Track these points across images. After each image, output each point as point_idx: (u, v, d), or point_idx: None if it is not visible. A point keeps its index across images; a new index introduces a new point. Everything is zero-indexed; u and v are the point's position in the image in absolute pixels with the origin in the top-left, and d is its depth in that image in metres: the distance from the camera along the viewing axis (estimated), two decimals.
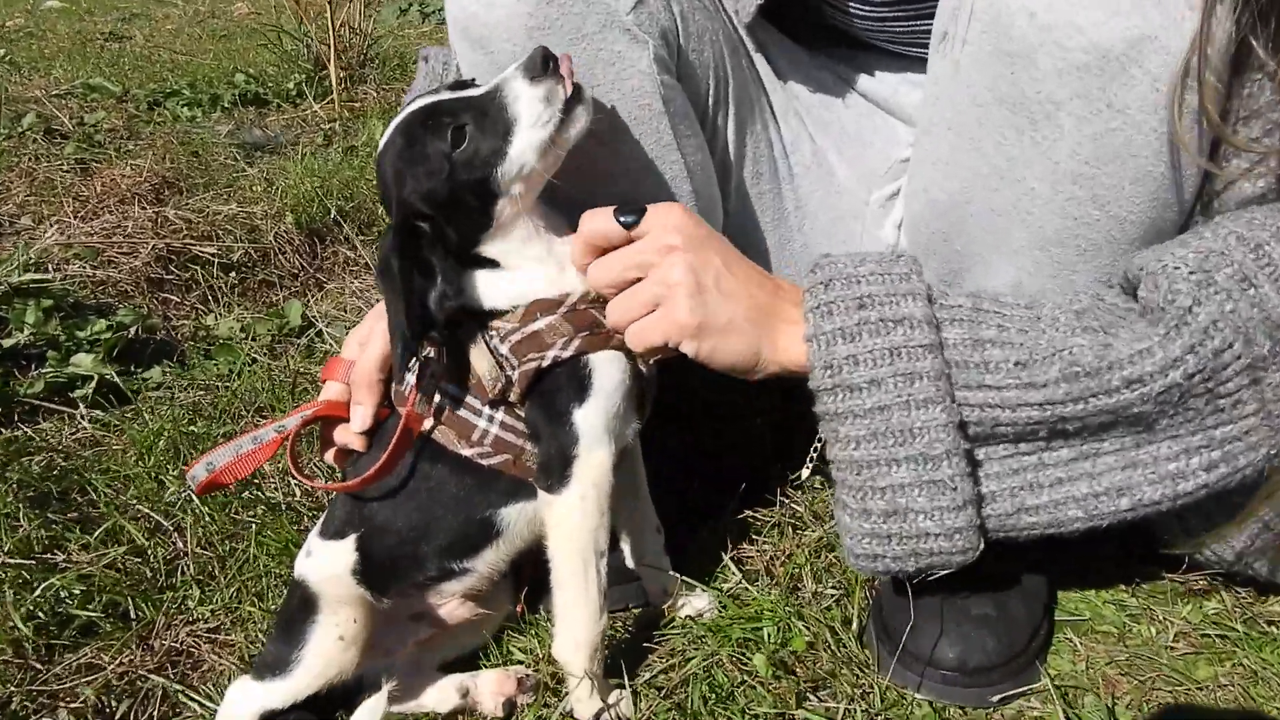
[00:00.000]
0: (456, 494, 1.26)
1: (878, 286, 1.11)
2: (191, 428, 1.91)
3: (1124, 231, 1.14)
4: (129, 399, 2.06)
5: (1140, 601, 1.46)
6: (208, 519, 1.62)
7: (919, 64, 1.54)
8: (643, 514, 1.47)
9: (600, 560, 1.25)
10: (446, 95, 1.19)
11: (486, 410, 1.23)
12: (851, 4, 1.48)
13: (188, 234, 2.70)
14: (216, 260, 2.62)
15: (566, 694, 1.26)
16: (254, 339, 2.36)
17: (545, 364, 1.19)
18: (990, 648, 1.32)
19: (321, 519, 1.33)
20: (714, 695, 1.29)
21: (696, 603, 1.46)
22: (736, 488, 1.68)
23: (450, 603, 1.34)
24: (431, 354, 1.23)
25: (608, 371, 1.22)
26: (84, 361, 2.11)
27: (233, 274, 2.62)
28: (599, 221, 1.18)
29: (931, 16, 1.25)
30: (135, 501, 1.66)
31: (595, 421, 1.22)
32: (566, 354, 1.20)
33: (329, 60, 4.28)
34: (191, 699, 1.32)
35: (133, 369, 2.17)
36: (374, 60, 4.77)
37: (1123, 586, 1.50)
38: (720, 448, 1.79)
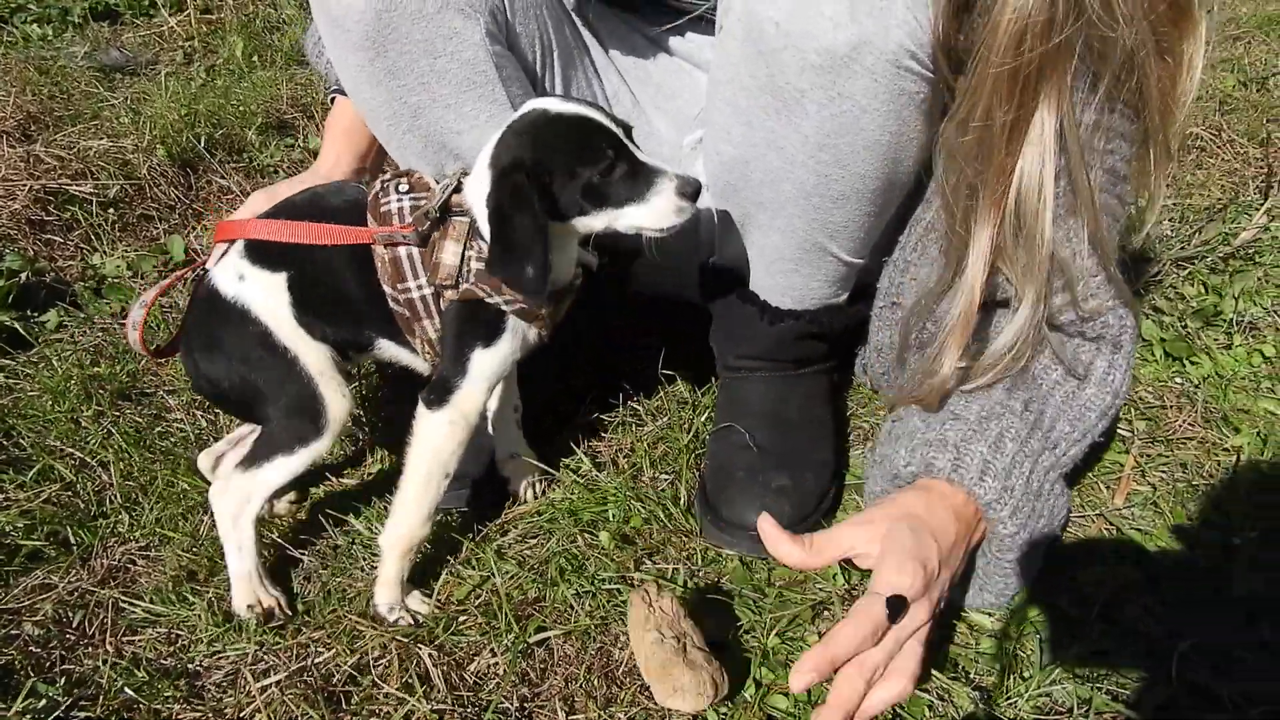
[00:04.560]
0: (362, 298, 1.52)
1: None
2: (96, 369, 2.10)
3: (864, 184, 1.46)
4: (31, 344, 2.22)
5: None
6: (127, 454, 1.85)
7: None
8: (505, 398, 1.77)
9: (444, 481, 1.54)
10: (625, 139, 1.44)
11: (424, 280, 1.49)
12: None
13: (62, 173, 2.78)
14: (94, 198, 2.73)
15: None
16: (141, 276, 2.52)
17: (488, 300, 1.47)
18: (787, 512, 1.66)
19: (242, 247, 1.54)
20: (569, 566, 1.62)
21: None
22: (589, 393, 1.99)
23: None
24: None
25: (515, 337, 1.52)
26: None
27: (111, 211, 2.73)
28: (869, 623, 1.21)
29: None
30: (58, 443, 1.88)
31: (486, 366, 1.51)
32: (507, 308, 1.48)
33: None
34: (135, 605, 1.58)
35: (29, 313, 2.32)
36: None
37: None
38: (574, 359, 2.08)
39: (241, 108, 3.30)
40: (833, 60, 1.31)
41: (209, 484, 1.68)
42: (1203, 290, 2.30)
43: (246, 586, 1.54)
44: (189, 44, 3.97)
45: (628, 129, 1.46)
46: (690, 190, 1.43)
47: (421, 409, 1.52)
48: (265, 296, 1.51)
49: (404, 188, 1.51)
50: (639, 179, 1.43)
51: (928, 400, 1.50)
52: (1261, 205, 2.54)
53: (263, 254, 1.53)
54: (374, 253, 1.49)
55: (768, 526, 1.30)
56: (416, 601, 1.58)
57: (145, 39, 4.07)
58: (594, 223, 1.47)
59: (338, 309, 1.54)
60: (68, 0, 4.39)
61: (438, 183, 1.51)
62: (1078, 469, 1.58)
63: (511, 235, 1.40)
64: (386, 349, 1.60)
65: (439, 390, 1.51)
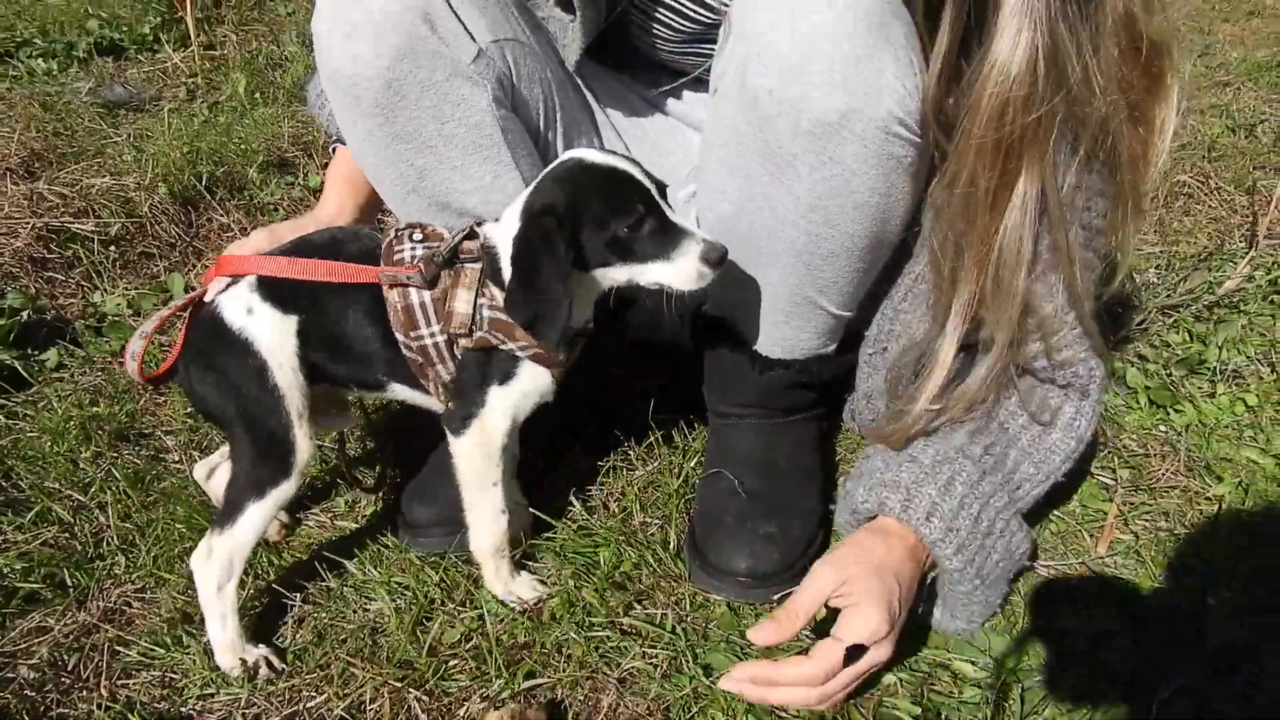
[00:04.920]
0: (376, 345, 1.56)
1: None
2: (95, 409, 2.13)
3: (854, 243, 1.49)
4: (31, 383, 2.24)
5: None
6: (125, 495, 1.87)
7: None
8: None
9: (494, 488, 1.62)
10: (658, 196, 1.47)
11: (436, 329, 1.53)
12: (657, 40, 1.78)
13: (64, 210, 2.82)
14: (96, 236, 2.76)
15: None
16: (140, 314, 2.55)
17: (502, 347, 1.52)
18: (775, 559, 1.69)
19: (253, 281, 1.55)
20: (561, 610, 1.64)
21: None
22: (579, 439, 2.02)
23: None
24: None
25: (532, 378, 1.57)
26: None
27: (112, 248, 2.77)
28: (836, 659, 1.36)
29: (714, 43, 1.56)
30: (57, 484, 1.90)
31: (503, 401, 1.57)
32: (520, 355, 1.53)
33: None
34: (130, 649, 1.60)
35: (30, 352, 2.34)
36: None
37: None
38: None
39: (243, 145, 3.34)
40: (824, 127, 1.35)
41: (206, 497, 1.75)
42: (1187, 338, 2.34)
43: (230, 654, 1.54)
44: (192, 80, 4.02)
45: (661, 187, 1.50)
46: (715, 257, 1.46)
47: (450, 437, 1.60)
48: (272, 334, 1.53)
49: (418, 237, 1.55)
50: (667, 238, 1.46)
51: (893, 440, 1.58)
52: (1246, 254, 2.58)
53: (276, 292, 1.54)
54: (387, 301, 1.52)
55: (757, 637, 1.40)
56: (525, 587, 1.68)
57: (149, 75, 4.12)
58: (616, 275, 1.51)
59: (350, 353, 1.58)
60: (73, 35, 4.46)
61: (451, 234, 1.54)
62: (1047, 510, 1.67)
63: (535, 279, 1.43)
64: (400, 391, 1.65)
65: (458, 418, 1.57)
